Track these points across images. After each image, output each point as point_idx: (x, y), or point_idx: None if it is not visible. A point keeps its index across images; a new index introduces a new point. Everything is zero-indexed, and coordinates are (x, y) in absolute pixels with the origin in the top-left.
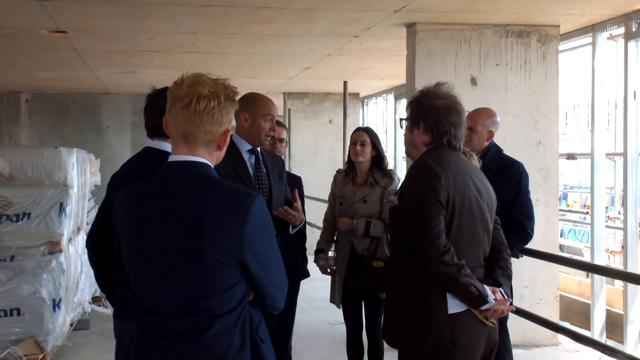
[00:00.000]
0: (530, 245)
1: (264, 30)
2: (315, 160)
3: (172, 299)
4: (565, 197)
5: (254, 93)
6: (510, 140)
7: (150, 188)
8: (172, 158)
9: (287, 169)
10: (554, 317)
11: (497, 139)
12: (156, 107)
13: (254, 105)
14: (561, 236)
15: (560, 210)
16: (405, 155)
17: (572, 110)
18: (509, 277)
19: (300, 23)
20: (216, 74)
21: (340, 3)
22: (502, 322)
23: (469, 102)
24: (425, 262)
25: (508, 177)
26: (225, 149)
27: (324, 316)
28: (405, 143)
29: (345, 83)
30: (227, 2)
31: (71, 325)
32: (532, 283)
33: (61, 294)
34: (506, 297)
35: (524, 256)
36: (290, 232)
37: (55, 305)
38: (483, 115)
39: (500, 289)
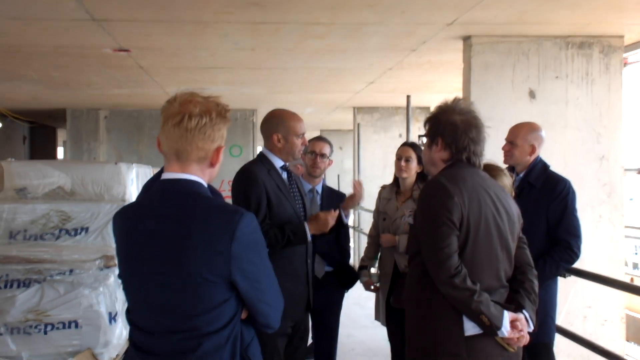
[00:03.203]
0: (594, 264)
1: (318, 46)
2: (385, 174)
3: (160, 317)
4: None
5: (279, 111)
6: (571, 155)
7: (142, 206)
8: (164, 176)
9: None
10: (620, 340)
11: (558, 153)
12: None
13: (284, 125)
14: None
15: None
16: None
17: None
18: (534, 300)
19: (353, 38)
20: (281, 90)
21: (389, 17)
22: (547, 345)
23: (527, 115)
24: (436, 283)
25: (554, 194)
26: (218, 165)
27: (384, 333)
28: (424, 160)
29: (408, 97)
30: (277, 18)
31: None
32: (596, 303)
33: (117, 307)
34: (531, 323)
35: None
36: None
37: (112, 318)
38: (524, 128)
39: (525, 313)
